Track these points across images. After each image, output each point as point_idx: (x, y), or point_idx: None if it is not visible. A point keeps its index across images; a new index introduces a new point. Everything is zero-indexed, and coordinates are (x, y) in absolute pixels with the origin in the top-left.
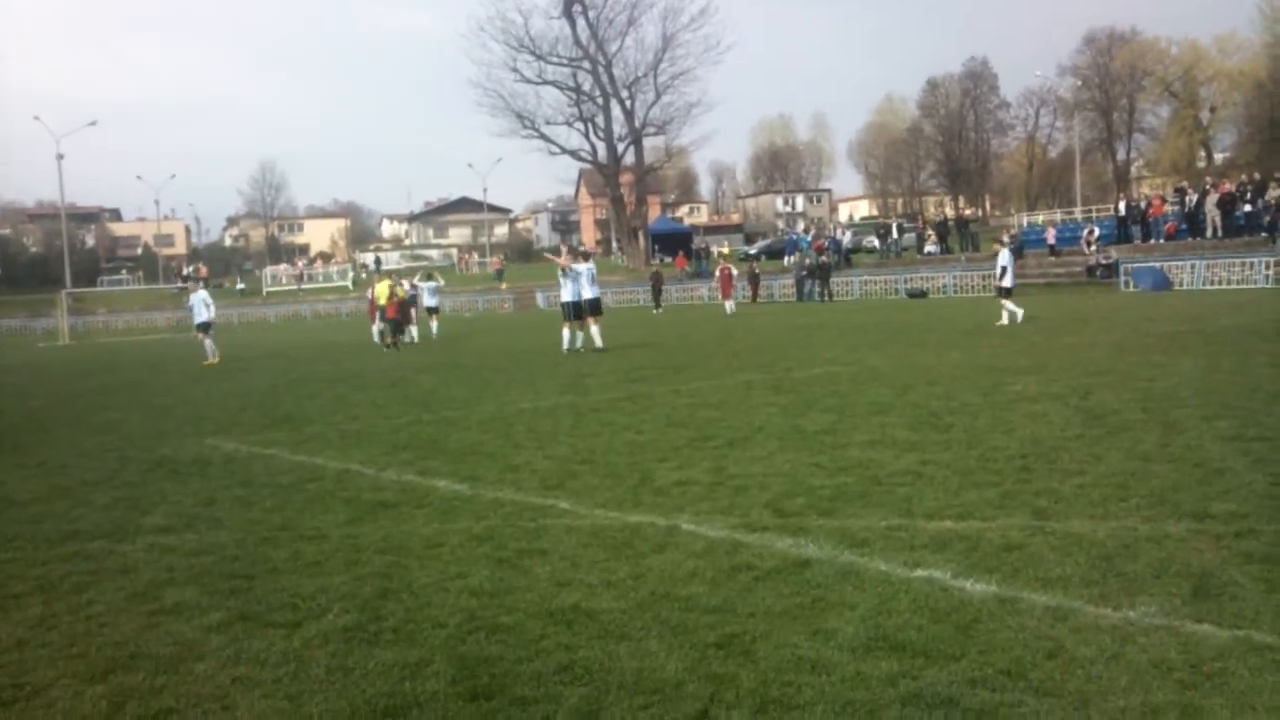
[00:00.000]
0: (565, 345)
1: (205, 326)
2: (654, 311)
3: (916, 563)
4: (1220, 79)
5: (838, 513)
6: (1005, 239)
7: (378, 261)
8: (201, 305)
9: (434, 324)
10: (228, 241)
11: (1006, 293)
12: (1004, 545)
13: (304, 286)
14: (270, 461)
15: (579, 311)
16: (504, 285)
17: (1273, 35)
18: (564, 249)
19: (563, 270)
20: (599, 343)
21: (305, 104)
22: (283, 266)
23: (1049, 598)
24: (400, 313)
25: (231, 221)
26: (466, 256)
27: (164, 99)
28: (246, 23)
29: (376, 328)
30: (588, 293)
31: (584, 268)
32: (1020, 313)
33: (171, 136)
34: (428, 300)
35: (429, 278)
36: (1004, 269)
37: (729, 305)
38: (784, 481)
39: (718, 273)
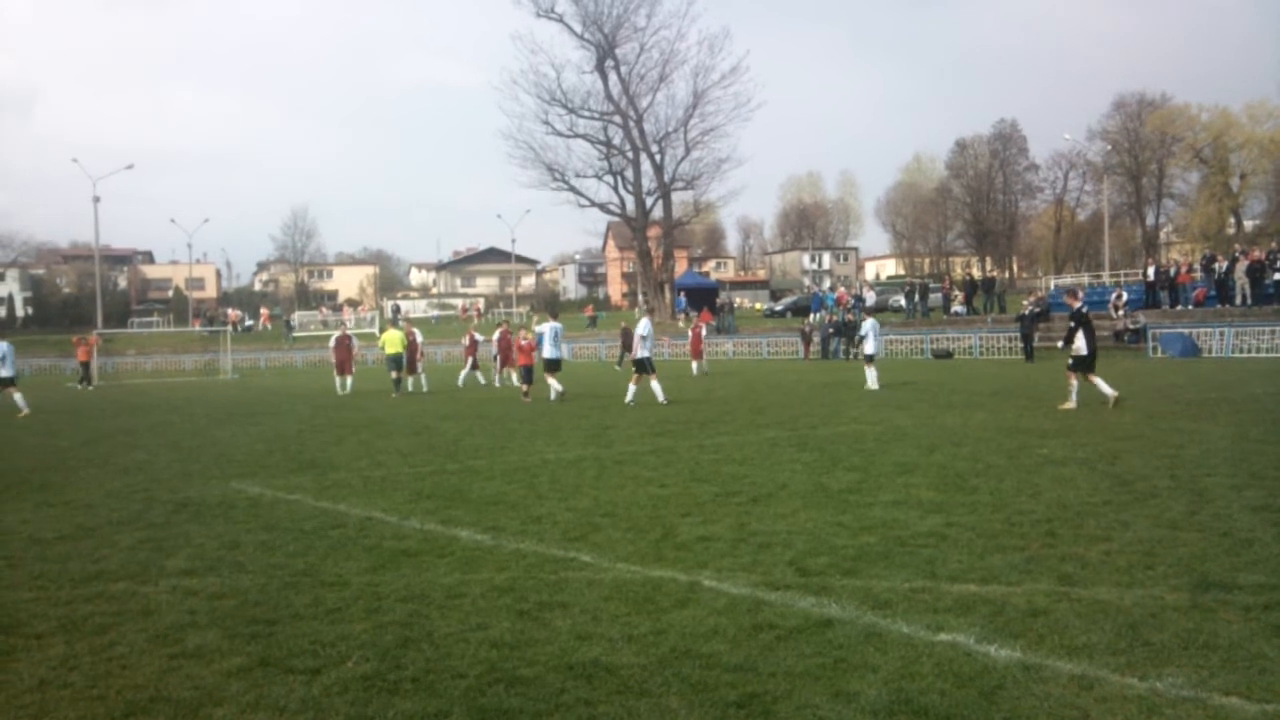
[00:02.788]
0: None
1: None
2: (615, 367)
3: (940, 626)
4: (1250, 146)
5: (861, 573)
6: (865, 307)
7: (396, 309)
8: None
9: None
10: (257, 286)
11: (869, 359)
12: (1029, 611)
13: (330, 331)
14: (294, 506)
15: (547, 366)
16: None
17: None
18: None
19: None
20: (554, 395)
21: (338, 152)
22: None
23: (1074, 665)
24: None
25: (262, 266)
26: (467, 307)
27: (199, 145)
28: (281, 71)
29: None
30: (546, 351)
31: (546, 327)
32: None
33: (206, 182)
34: (548, 350)
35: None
36: (862, 337)
37: (695, 366)
38: (807, 540)
39: (690, 332)
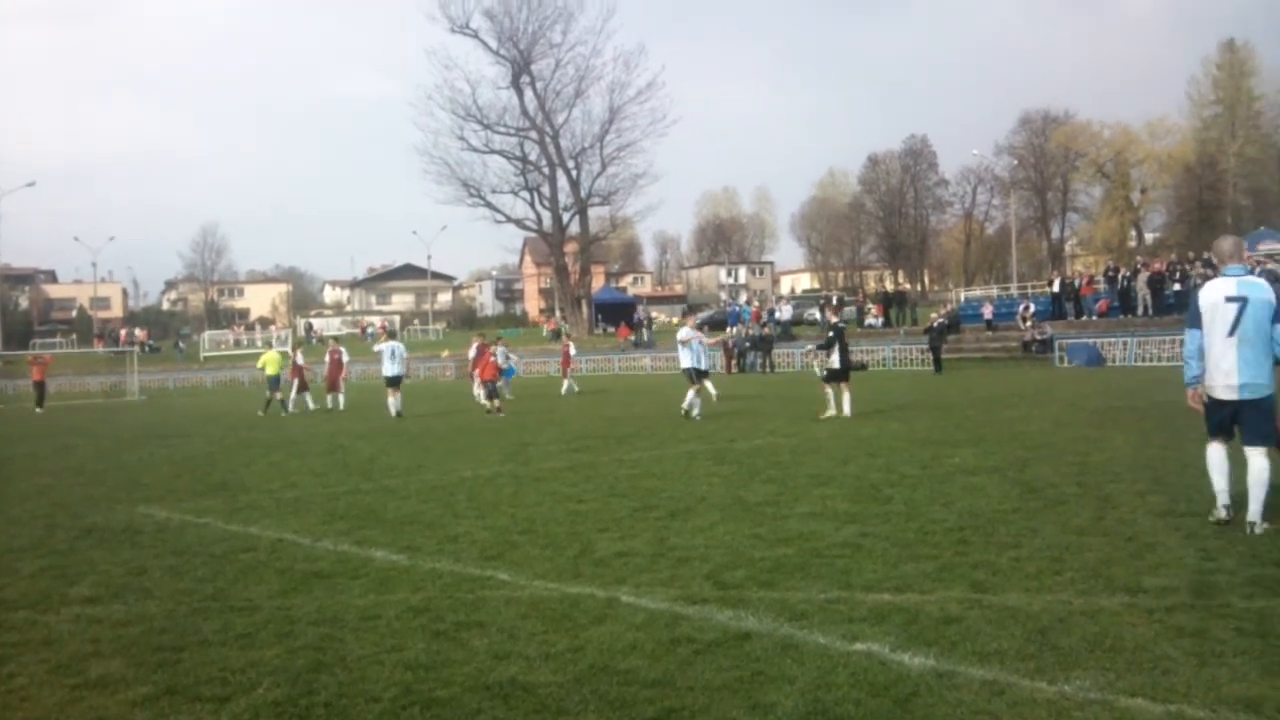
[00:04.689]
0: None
1: None
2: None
3: (855, 636)
4: (1150, 161)
5: (778, 585)
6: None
7: (309, 327)
8: None
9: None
10: (165, 305)
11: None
12: (942, 618)
13: (243, 351)
14: (203, 530)
15: (388, 383)
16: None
17: (1200, 121)
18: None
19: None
20: (394, 410)
21: (249, 168)
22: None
23: (986, 671)
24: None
25: (170, 285)
26: (364, 324)
27: (104, 161)
28: (190, 85)
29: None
30: (385, 369)
31: (385, 346)
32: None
33: (111, 199)
34: (387, 368)
35: (392, 336)
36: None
37: (566, 384)
38: (725, 553)
39: (561, 350)
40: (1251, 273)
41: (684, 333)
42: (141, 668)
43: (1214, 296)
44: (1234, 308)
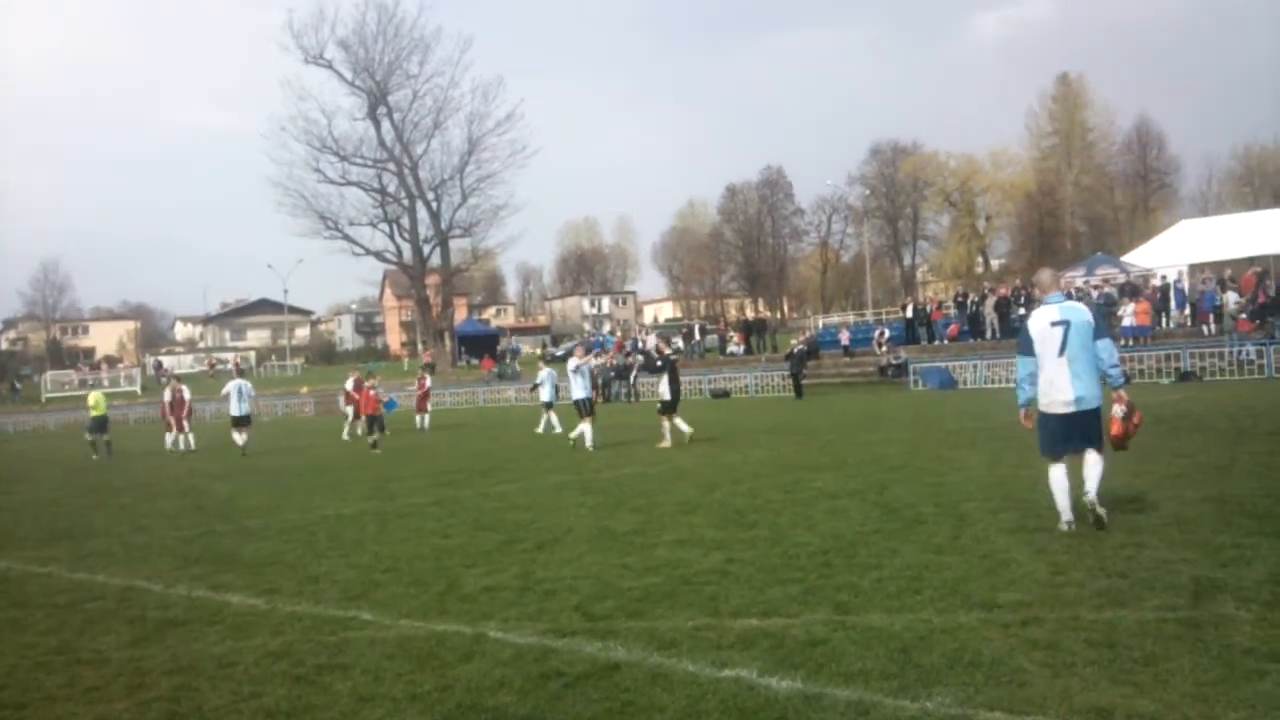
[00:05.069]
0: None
1: None
2: (343, 437)
3: (724, 662)
4: (994, 190)
5: (646, 614)
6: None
7: (159, 365)
8: None
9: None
10: (4, 345)
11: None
12: (808, 641)
13: (89, 392)
14: (46, 580)
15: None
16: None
17: (1039, 150)
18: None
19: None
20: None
21: (91, 200)
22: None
23: (851, 692)
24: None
25: (9, 324)
26: (213, 361)
27: None
28: (28, 111)
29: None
30: (233, 408)
31: (232, 385)
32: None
33: None
34: (234, 407)
35: (240, 374)
36: (537, 385)
37: (419, 419)
38: (593, 584)
39: (417, 383)
40: (1070, 298)
41: (572, 362)
42: None
43: (1041, 323)
44: (1059, 331)
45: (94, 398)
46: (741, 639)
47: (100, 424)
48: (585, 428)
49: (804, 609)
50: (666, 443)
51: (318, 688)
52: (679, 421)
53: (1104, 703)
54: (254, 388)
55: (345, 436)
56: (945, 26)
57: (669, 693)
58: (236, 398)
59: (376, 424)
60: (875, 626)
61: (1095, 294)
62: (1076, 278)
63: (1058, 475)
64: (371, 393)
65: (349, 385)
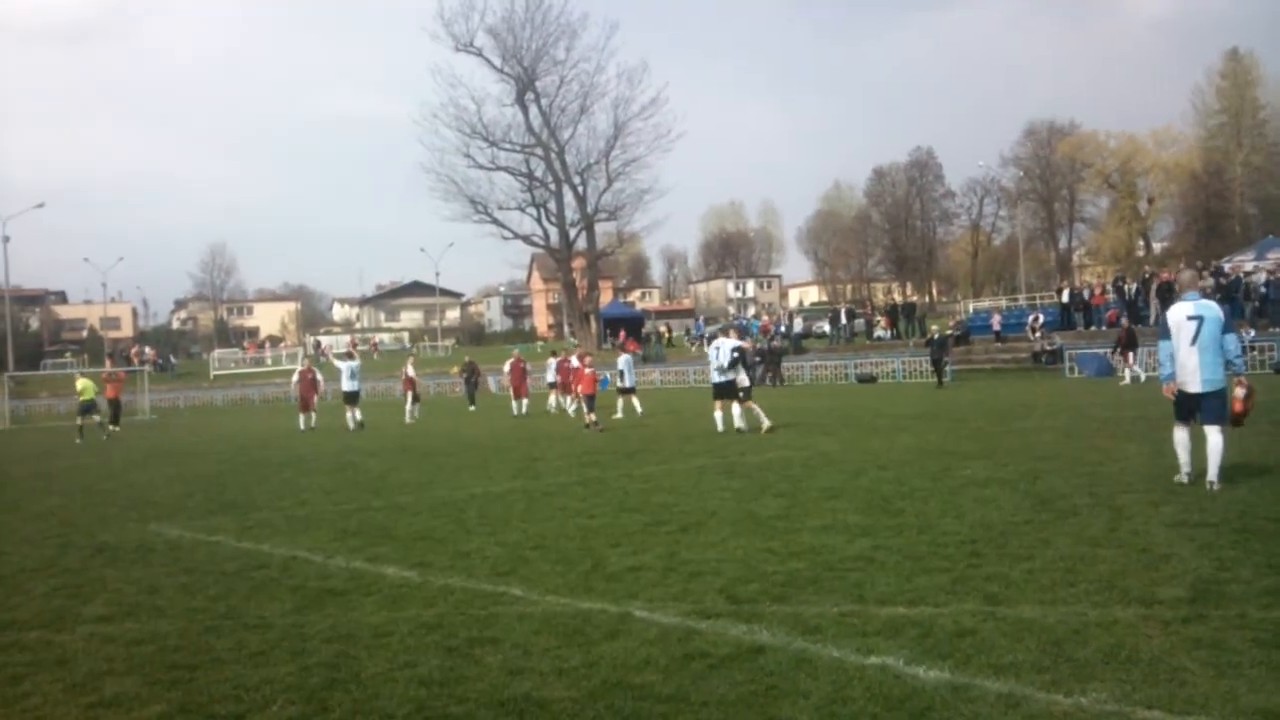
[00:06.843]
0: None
1: None
2: (470, 408)
3: (870, 649)
4: (1157, 171)
5: (791, 599)
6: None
7: (317, 345)
8: None
9: (351, 413)
10: (175, 324)
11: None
12: (956, 631)
13: (254, 370)
14: (215, 548)
15: (346, 398)
16: (455, 370)
17: (1206, 129)
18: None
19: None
20: (353, 423)
21: (256, 186)
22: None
23: (1001, 684)
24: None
25: (180, 304)
26: (356, 340)
27: (113, 181)
28: (196, 105)
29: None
30: (344, 385)
31: (344, 364)
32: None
33: (120, 219)
34: (346, 384)
35: (349, 356)
36: (621, 371)
37: (515, 405)
38: (737, 567)
39: (508, 366)
40: (1204, 296)
41: (729, 343)
42: (155, 686)
43: (1179, 316)
44: (1194, 324)
45: (81, 383)
46: (887, 627)
47: (88, 407)
48: (745, 409)
49: (952, 598)
50: (766, 422)
51: (469, 660)
52: (737, 408)
53: (1272, 705)
54: (360, 367)
55: (408, 420)
56: (1103, 2)
57: (813, 678)
58: (348, 376)
59: (589, 404)
60: (1026, 619)
61: (1264, 278)
62: (1245, 261)
63: (1181, 436)
64: (587, 371)
65: (549, 373)
